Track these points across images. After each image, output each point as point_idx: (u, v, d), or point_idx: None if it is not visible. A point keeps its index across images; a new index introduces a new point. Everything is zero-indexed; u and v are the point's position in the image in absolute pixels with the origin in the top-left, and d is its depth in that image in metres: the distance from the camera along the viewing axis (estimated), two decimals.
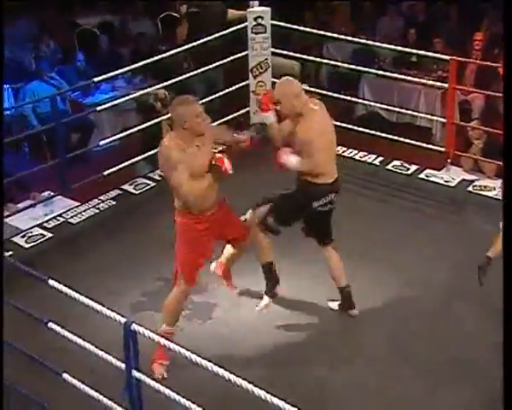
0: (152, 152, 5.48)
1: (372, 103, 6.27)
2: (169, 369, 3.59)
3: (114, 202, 5.36)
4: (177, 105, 3.55)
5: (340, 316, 4.05)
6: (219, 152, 3.63)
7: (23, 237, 4.94)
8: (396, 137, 5.65)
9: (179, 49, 5.81)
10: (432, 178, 5.51)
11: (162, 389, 2.76)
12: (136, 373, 2.80)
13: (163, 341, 2.74)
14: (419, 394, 3.51)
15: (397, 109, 6.04)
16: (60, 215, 5.19)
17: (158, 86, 5.81)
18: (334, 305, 4.08)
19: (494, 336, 3.43)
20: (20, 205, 5.36)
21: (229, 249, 4.04)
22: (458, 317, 4.01)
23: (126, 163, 5.47)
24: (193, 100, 3.57)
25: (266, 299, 4.02)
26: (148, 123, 5.65)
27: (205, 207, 3.58)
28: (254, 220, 3.88)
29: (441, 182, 5.44)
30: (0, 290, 3.01)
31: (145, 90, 5.85)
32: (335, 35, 6.07)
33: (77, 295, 2.95)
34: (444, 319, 4.01)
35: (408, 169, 5.64)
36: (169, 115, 5.93)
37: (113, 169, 5.37)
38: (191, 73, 5.80)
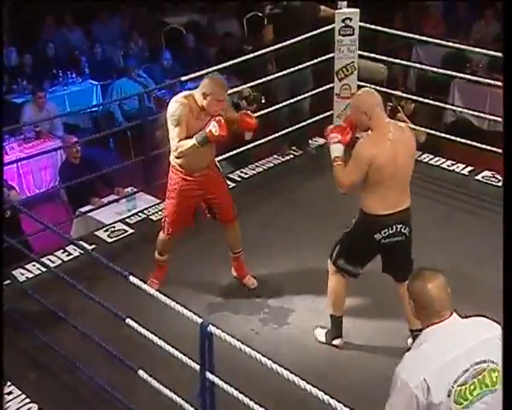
0: (234, 152, 5.50)
1: (463, 110, 6.00)
2: (248, 376, 3.49)
3: None
4: (213, 78, 3.84)
5: None
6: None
7: (106, 231, 5.01)
8: (487, 147, 5.38)
9: (264, 51, 5.76)
10: None
11: (236, 393, 2.70)
12: (210, 376, 2.76)
13: (240, 345, 2.67)
14: None
15: (489, 117, 5.75)
16: (142, 211, 5.23)
17: (245, 86, 5.79)
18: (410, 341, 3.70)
19: None
20: (105, 200, 5.47)
21: (227, 241, 4.23)
22: None
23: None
24: (224, 85, 3.81)
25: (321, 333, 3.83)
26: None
27: (193, 167, 3.87)
28: (332, 268, 3.65)
29: None
30: (0, 290, 3.03)
31: (230, 90, 5.84)
32: (426, 38, 5.85)
33: (156, 293, 2.95)
34: None
35: (499, 181, 5.36)
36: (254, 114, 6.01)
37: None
38: (275, 75, 5.74)
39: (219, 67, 5.79)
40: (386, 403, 2.22)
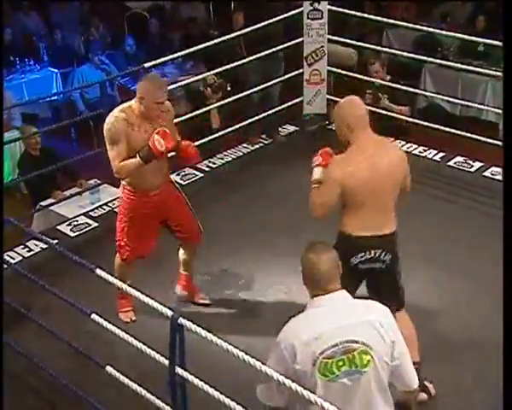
0: (201, 141, 5.33)
1: (434, 95, 5.94)
2: (220, 370, 3.37)
3: None
4: (147, 79, 3.50)
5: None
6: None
7: (69, 225, 4.83)
8: (459, 132, 5.32)
9: (232, 36, 5.59)
10: (497, 177, 5.18)
11: (207, 388, 2.59)
12: (180, 371, 2.64)
13: (211, 337, 2.53)
14: None
15: (461, 102, 5.69)
16: (106, 204, 5.06)
17: (209, 73, 5.63)
18: None
19: None
20: (67, 193, 5.27)
21: (181, 256, 3.87)
22: None
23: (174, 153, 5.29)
24: (161, 84, 3.46)
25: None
26: (198, 111, 5.47)
27: (145, 185, 3.53)
28: None
29: None
30: (0, 289, 2.92)
31: (196, 77, 5.67)
32: (396, 21, 5.76)
33: (124, 286, 2.84)
34: None
35: (471, 166, 5.32)
36: (219, 102, 5.85)
37: None
38: (244, 61, 5.58)
39: (185, 52, 5.61)
40: None
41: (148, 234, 3.67)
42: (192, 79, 5.70)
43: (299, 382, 2.21)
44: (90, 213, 4.97)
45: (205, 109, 5.66)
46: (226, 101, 5.57)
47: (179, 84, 5.76)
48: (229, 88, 5.95)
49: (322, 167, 3.13)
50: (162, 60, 5.43)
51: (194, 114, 5.51)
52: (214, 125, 5.97)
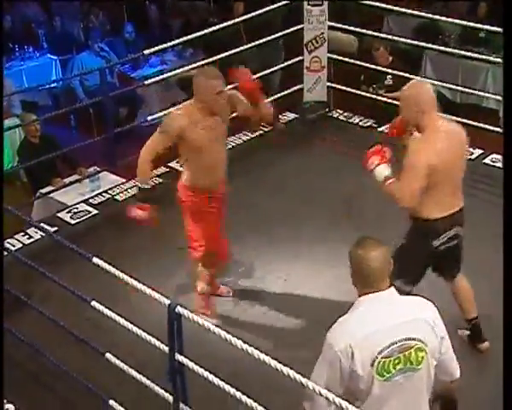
0: None
1: (435, 82, 5.90)
2: (219, 358, 3.38)
3: (161, 180, 5.17)
4: (199, 74, 3.40)
5: None
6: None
7: (69, 212, 4.83)
8: (460, 119, 5.29)
9: (231, 22, 5.57)
10: (498, 164, 5.17)
11: (207, 375, 2.60)
12: (179, 357, 2.66)
13: (207, 324, 2.55)
14: None
15: (462, 89, 5.66)
16: (106, 192, 5.06)
17: (208, 60, 5.60)
18: (463, 333, 3.61)
19: None
20: (67, 180, 5.26)
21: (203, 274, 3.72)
22: None
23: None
24: (216, 74, 3.35)
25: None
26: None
27: (204, 184, 3.45)
28: None
29: None
30: (0, 288, 2.93)
31: (195, 64, 5.63)
32: (397, 8, 5.72)
33: (121, 275, 2.82)
34: None
35: (472, 153, 5.30)
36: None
37: None
38: (243, 47, 5.55)
39: (185, 39, 5.59)
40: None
41: (217, 232, 3.60)
42: (191, 66, 5.67)
43: (352, 382, 2.15)
44: (90, 200, 4.98)
45: None
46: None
47: (179, 70, 5.72)
48: None
49: (384, 164, 3.15)
50: (161, 47, 5.41)
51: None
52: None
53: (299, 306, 3.87)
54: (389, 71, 5.59)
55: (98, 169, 5.29)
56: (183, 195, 3.54)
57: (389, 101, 5.37)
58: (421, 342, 2.17)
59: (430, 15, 5.66)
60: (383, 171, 3.15)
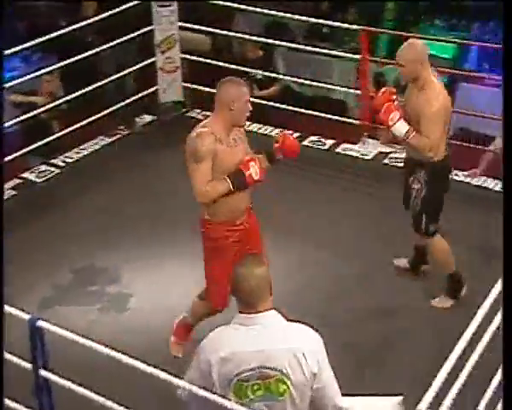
0: (40, 143, 5.09)
1: (287, 78, 6.12)
2: (90, 369, 3.29)
3: (14, 192, 4.94)
4: (227, 83, 3.10)
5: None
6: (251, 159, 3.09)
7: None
8: (312, 112, 5.54)
9: (81, 24, 5.41)
10: (348, 152, 5.47)
11: (75, 387, 2.52)
12: (44, 373, 2.55)
13: (74, 337, 2.48)
14: None
15: (312, 83, 5.91)
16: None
17: (59, 64, 5.41)
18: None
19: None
20: None
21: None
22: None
23: (23, 151, 5.04)
24: (241, 81, 3.13)
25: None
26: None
27: (231, 215, 3.12)
28: (426, 239, 3.77)
29: (358, 155, 5.40)
30: (0, 287, 2.66)
31: (43, 70, 5.42)
32: (244, 6, 5.83)
33: None
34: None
35: (324, 144, 5.57)
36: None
37: (10, 157, 4.79)
38: (96, 50, 5.42)
39: (33, 43, 5.33)
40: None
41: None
42: (41, 72, 5.45)
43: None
44: None
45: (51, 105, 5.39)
46: (84, 91, 5.34)
47: (27, 77, 5.46)
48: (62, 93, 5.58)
49: (401, 119, 3.49)
50: (9, 51, 5.13)
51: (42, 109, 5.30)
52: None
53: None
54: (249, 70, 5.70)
55: None
56: (207, 232, 3.18)
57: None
58: (282, 373, 2.12)
59: (273, 12, 5.83)
60: (402, 126, 3.51)
